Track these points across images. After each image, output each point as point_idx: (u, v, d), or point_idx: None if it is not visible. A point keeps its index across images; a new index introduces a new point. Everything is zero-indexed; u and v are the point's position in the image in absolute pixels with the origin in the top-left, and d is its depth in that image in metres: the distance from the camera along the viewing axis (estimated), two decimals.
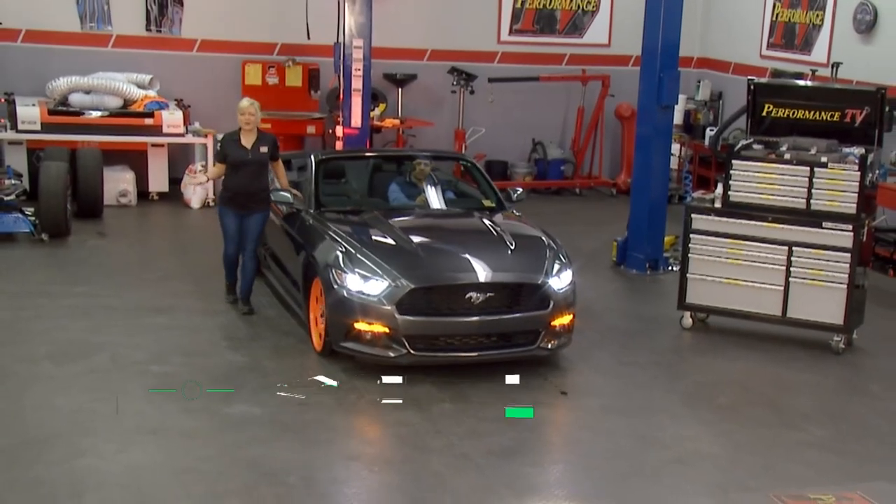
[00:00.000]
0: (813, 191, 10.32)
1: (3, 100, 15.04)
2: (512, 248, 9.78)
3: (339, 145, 14.41)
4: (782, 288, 10.48)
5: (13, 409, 8.40)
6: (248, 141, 10.56)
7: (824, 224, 10.26)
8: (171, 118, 15.29)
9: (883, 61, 14.43)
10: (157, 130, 15.28)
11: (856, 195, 10.17)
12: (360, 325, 9.11)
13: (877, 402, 9.46)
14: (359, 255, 9.41)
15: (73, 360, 9.44)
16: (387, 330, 9.04)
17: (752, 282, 10.61)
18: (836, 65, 14.85)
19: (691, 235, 10.86)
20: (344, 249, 9.52)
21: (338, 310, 9.23)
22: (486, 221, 10.38)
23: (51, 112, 14.99)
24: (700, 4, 18.37)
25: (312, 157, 11.05)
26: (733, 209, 10.65)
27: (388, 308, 9.03)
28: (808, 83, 12.60)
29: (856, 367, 10.28)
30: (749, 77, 11.76)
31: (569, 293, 9.67)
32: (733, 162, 10.68)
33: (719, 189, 10.86)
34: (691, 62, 18.42)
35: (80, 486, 7.20)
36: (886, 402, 9.44)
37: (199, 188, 15.34)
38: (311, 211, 10.43)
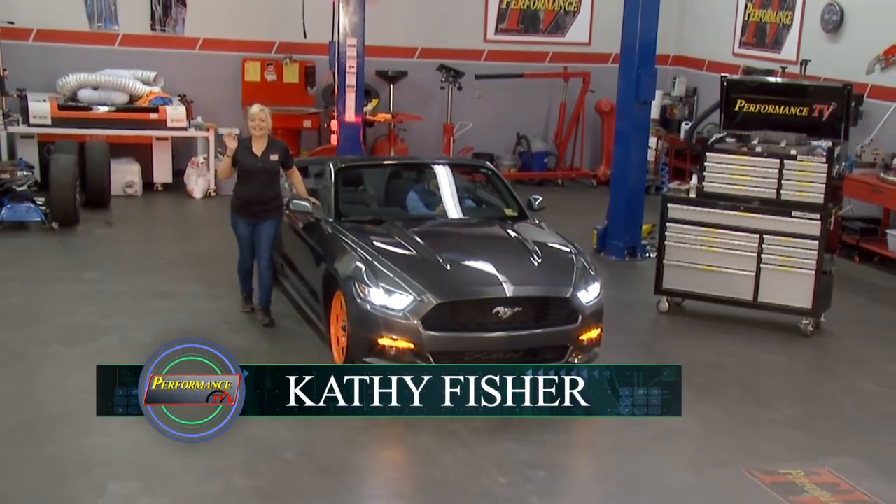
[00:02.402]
0: (783, 182, 10.31)
1: (15, 95, 14.97)
2: (539, 260, 9.01)
3: (333, 139, 14.39)
4: (754, 274, 10.47)
5: (25, 389, 8.38)
6: (258, 148, 9.78)
7: (794, 213, 10.25)
8: (175, 113, 15.21)
9: (849, 59, 14.40)
10: (161, 125, 15.20)
11: (823, 186, 10.17)
12: (384, 341, 8.33)
13: (843, 382, 9.47)
14: (382, 269, 8.61)
15: (83, 342, 9.40)
16: (411, 345, 8.27)
17: (725, 268, 10.59)
18: (805, 62, 14.80)
19: (667, 224, 10.84)
20: (367, 262, 8.73)
21: (361, 324, 8.44)
22: (511, 232, 9.60)
23: (61, 107, 14.92)
24: (676, 5, 18.31)
25: (332, 165, 10.22)
26: (707, 199, 10.63)
27: (413, 323, 8.25)
28: (779, 80, 12.58)
29: (823, 349, 10.28)
30: (722, 74, 11.75)
31: (597, 306, 8.87)
32: (707, 154, 10.66)
33: (694, 180, 10.84)
34: (667, 60, 18.36)
35: (88, 461, 7.19)
36: (852, 382, 9.44)
37: (201, 179, 15.31)
38: (331, 220, 9.64)
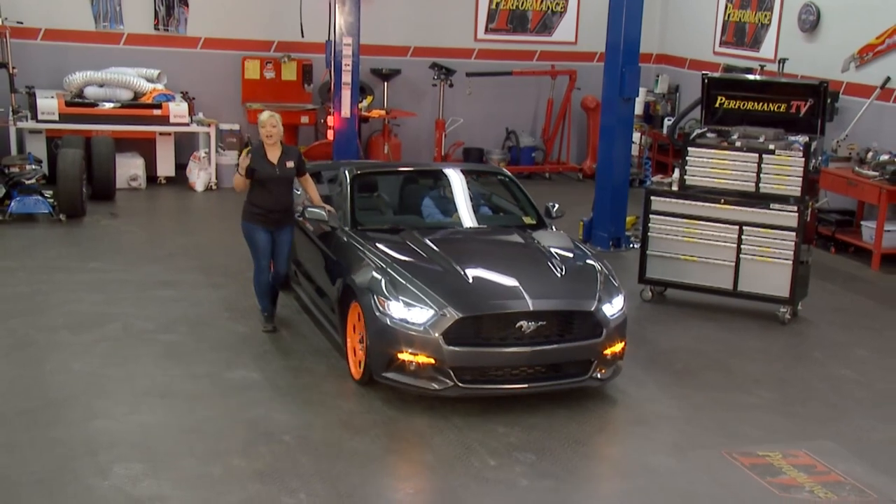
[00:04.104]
0: (761, 175, 10.29)
1: (24, 92, 14.93)
2: (562, 272, 8.40)
3: (330, 134, 14.35)
4: (733, 264, 10.46)
5: (33, 375, 8.33)
6: (273, 156, 9.17)
7: (772, 205, 10.23)
8: (178, 109, 15.17)
9: (825, 58, 14.41)
10: (164, 120, 15.18)
11: (800, 179, 10.14)
12: (404, 356, 7.78)
13: (820, 367, 9.45)
14: (402, 281, 8.01)
15: (89, 329, 9.37)
16: (432, 361, 7.70)
17: (706, 258, 10.58)
18: (783, 61, 14.83)
19: (651, 216, 10.82)
20: (386, 273, 8.14)
21: (380, 339, 7.87)
22: (532, 241, 9.03)
23: (68, 104, 14.86)
24: (658, 5, 18.30)
25: (347, 172, 9.58)
26: (689, 192, 10.62)
27: (434, 337, 7.68)
28: (757, 77, 12.58)
29: (800, 336, 10.27)
30: (703, 72, 11.73)
31: (621, 319, 8.28)
32: (689, 149, 10.64)
33: (676, 174, 10.84)
34: (651, 58, 18.36)
35: (94, 444, 7.14)
36: (828, 367, 9.42)
37: (202, 173, 15.29)
38: (347, 229, 9.04)
